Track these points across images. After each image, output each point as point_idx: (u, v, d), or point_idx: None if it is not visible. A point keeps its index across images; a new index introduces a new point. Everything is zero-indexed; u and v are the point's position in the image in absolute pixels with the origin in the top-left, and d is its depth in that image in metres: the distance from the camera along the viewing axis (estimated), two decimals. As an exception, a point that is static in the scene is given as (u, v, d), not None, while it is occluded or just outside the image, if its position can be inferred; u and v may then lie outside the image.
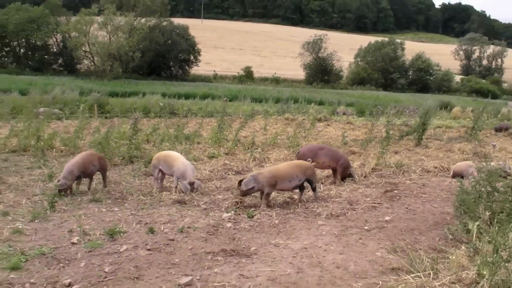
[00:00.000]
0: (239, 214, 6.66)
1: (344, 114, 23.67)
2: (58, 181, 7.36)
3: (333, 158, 9.06)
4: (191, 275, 4.49)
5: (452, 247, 5.30)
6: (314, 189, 7.49)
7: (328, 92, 46.72)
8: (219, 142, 12.36)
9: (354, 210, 7.01)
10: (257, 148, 12.10)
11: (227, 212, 6.69)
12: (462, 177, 9.05)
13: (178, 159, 8.03)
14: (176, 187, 7.95)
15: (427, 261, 4.75)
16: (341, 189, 8.45)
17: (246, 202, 7.25)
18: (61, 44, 50.20)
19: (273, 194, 7.82)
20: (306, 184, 7.59)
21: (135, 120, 10.50)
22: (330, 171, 9.45)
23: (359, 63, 68.09)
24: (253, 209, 6.91)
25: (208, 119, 18.95)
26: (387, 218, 6.54)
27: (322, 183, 8.99)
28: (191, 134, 13.09)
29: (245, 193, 7.01)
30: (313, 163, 8.99)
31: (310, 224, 6.26)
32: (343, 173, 9.14)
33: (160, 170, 8.16)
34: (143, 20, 52.41)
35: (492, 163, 6.70)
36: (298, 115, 21.14)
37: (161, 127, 14.20)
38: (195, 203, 7.28)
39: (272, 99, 30.41)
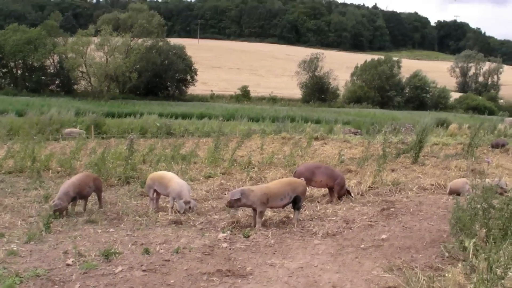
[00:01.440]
0: (235, 234, 6.63)
1: (356, 134, 23.30)
2: (53, 202, 7.37)
3: (330, 176, 9.06)
4: (187, 296, 4.48)
5: (449, 265, 5.26)
6: (298, 208, 7.37)
7: (325, 111, 46.91)
8: (215, 162, 12.33)
9: (351, 229, 6.98)
10: (253, 168, 12.09)
11: (223, 232, 6.66)
12: (458, 194, 9.03)
13: (173, 179, 8.02)
14: (172, 208, 7.92)
15: (424, 280, 4.72)
16: (338, 207, 8.44)
17: (242, 222, 7.25)
18: (58, 65, 50.51)
19: (269, 213, 7.84)
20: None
21: (131, 140, 10.51)
22: (327, 190, 9.45)
23: (356, 81, 68.53)
24: (249, 229, 6.87)
25: (205, 139, 18.84)
26: (383, 236, 6.52)
27: (318, 201, 8.97)
28: (187, 154, 13.07)
29: (231, 204, 6.94)
30: (311, 182, 9.04)
31: (306, 244, 6.25)
32: (340, 192, 9.15)
33: (155, 191, 8.14)
34: (139, 40, 52.83)
35: (487, 180, 6.69)
36: (294, 134, 21.12)
37: (158, 147, 14.21)
38: (191, 223, 7.26)
39: (269, 118, 30.49)
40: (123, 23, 53.57)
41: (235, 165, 12.39)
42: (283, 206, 7.38)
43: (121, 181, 10.36)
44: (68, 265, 5.25)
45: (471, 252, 5.22)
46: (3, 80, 50.09)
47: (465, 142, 17.79)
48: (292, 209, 7.53)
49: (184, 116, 31.81)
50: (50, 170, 11.10)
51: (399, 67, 68.97)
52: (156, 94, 54.84)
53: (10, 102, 32.42)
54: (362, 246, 6.13)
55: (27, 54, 47.33)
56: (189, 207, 7.79)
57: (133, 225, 7.08)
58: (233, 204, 6.93)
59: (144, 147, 14.14)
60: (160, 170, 10.59)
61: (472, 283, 4.34)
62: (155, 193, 8.21)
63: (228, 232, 6.70)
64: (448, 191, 9.64)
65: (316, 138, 20.04)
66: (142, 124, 21.53)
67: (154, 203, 8.21)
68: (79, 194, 7.71)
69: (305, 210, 8.15)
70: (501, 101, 77.93)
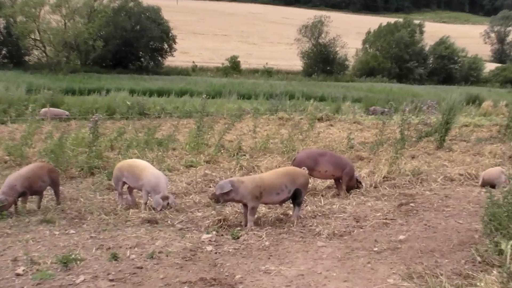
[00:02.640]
0: (222, 235, 6.68)
1: (382, 113, 23.08)
2: (-4, 197, 7.29)
3: (337, 165, 9.11)
4: (163, 310, 4.48)
5: (481, 271, 5.27)
6: (298, 204, 7.45)
7: (331, 86, 46.95)
8: (198, 148, 12.33)
9: (362, 228, 7.01)
10: (244, 155, 12.13)
11: (208, 233, 6.68)
12: (493, 186, 8.93)
13: (146, 169, 8.07)
14: (145, 204, 7.98)
15: (450, 289, 4.72)
16: (346, 202, 8.48)
17: (231, 220, 7.28)
18: (5, 31, 49.77)
19: (263, 209, 7.86)
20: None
21: (95, 122, 10.48)
22: (333, 181, 9.52)
23: (368, 50, 68.58)
24: (239, 228, 6.92)
25: (186, 120, 18.97)
26: (401, 237, 6.54)
27: (322, 195, 9.02)
28: (164, 139, 13.11)
29: (217, 199, 7.00)
30: (314, 172, 9.06)
31: (308, 246, 6.25)
32: (348, 183, 9.20)
33: (125, 183, 8.24)
34: (105, 1, 52.33)
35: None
36: (294, 113, 21.12)
37: (128, 131, 14.18)
38: (169, 222, 7.30)
39: (263, 95, 30.49)
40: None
41: (222, 151, 12.42)
42: (281, 202, 7.44)
43: (83, 172, 10.35)
44: (18, 275, 5.19)
45: (508, 257, 5.17)
46: None
47: (502, 123, 17.84)
48: (291, 205, 7.59)
49: (160, 92, 31.68)
50: (-4, 159, 11.12)
51: (421, 32, 69.05)
52: (126, 67, 54.62)
53: None
54: (376, 249, 6.14)
55: (-34, 17, 46.76)
56: (167, 203, 7.85)
57: (98, 226, 7.08)
58: (220, 198, 6.96)
59: (112, 130, 14.17)
60: (131, 158, 10.58)
61: (509, 293, 4.34)
62: (124, 186, 8.27)
63: (214, 232, 6.70)
64: (480, 182, 9.66)
65: (320, 119, 20.11)
66: (109, 102, 21.49)
67: (123, 198, 8.27)
68: (30, 189, 7.61)
69: (306, 206, 8.16)
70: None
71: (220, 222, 7.11)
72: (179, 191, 9.02)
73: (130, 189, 8.39)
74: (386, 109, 22.28)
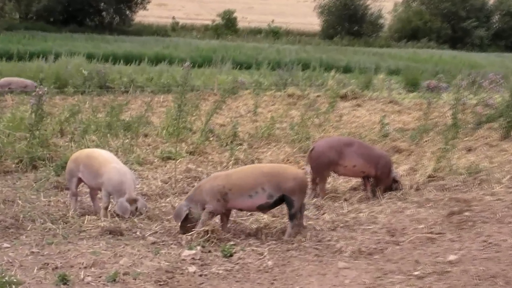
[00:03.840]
0: (210, 251, 6.75)
1: (438, 89, 22.76)
2: None
3: (368, 159, 9.23)
4: None
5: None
6: (291, 217, 7.51)
7: (359, 52, 46.60)
8: (179, 134, 12.12)
9: (398, 245, 7.03)
10: (241, 144, 12.24)
11: (190, 248, 6.75)
12: None
13: (108, 162, 8.15)
14: (106, 209, 8.05)
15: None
16: (377, 209, 8.53)
17: (221, 232, 7.36)
18: None
19: (265, 218, 7.98)
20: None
21: (40, 98, 10.44)
22: (359, 180, 9.67)
23: (411, 4, 68.11)
24: (232, 243, 7.02)
25: (163, 96, 19.06)
26: (451, 257, 6.50)
27: (345, 199, 9.15)
28: (133, 122, 13.07)
29: (184, 229, 7.31)
30: (337, 167, 9.20)
31: (325, 268, 6.27)
32: (382, 183, 9.33)
33: (80, 181, 8.30)
34: None
35: None
36: (309, 89, 21.11)
37: (85, 110, 14.23)
38: (138, 233, 7.40)
39: (267, 64, 30.17)
40: None
41: (211, 139, 12.57)
42: (259, 210, 7.58)
43: (22, 165, 10.36)
44: None
45: None
46: None
47: None
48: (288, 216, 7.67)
49: (128, 59, 31.34)
50: None
51: (483, -20, 68.56)
52: (81, 23, 54.24)
53: None
54: (417, 272, 6.11)
55: None
56: (135, 208, 7.93)
57: (42, 237, 7.08)
58: (187, 227, 7.33)
59: (62, 109, 14.15)
60: (89, 147, 10.56)
61: None
62: (79, 185, 8.40)
63: (198, 248, 6.78)
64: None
65: (344, 97, 20.06)
66: (59, 71, 21.35)
67: (77, 201, 8.38)
68: None
69: (323, 214, 8.30)
70: None
71: (207, 234, 7.13)
72: (152, 192, 9.12)
73: (93, 193, 8.52)
74: (445, 85, 22.07)
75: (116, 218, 7.81)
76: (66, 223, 7.68)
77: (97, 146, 10.72)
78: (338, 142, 9.44)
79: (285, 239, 7.36)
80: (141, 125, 13.11)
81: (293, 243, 7.15)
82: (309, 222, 7.97)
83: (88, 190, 8.72)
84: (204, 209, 7.28)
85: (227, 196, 7.22)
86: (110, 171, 7.96)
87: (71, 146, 11.12)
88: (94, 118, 13.20)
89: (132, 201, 7.85)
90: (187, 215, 7.24)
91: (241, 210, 7.71)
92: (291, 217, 7.47)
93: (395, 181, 9.45)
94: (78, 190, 8.49)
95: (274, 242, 7.16)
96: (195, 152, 11.67)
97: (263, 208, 7.50)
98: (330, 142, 9.53)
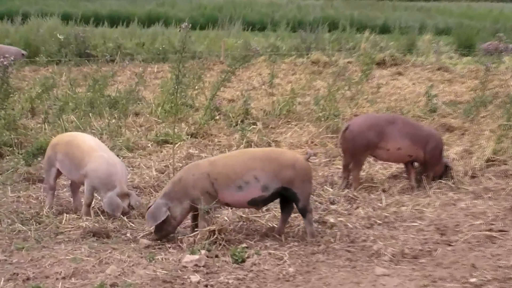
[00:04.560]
0: (217, 256, 6.65)
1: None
2: None
3: (415, 139, 9.16)
4: None
5: None
6: (303, 213, 7.42)
7: (400, 7, 46.47)
8: (177, 112, 12.01)
9: (450, 245, 6.99)
10: (254, 123, 12.20)
11: (193, 253, 6.64)
12: None
13: (94, 150, 8.10)
14: (89, 205, 8.06)
15: None
16: (423, 202, 8.48)
17: (231, 233, 7.29)
18: None
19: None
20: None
21: (5, 70, 10.40)
22: (400, 167, 9.65)
23: None
24: (244, 245, 6.94)
25: (157, 65, 19.09)
26: (517, 261, 6.46)
27: (384, 190, 9.12)
28: (121, 97, 12.91)
29: (161, 234, 7.26)
30: (377, 150, 9.16)
31: (359, 275, 6.25)
32: (432, 169, 9.29)
33: (58, 172, 8.31)
34: None
35: None
36: (337, 54, 21.02)
37: (61, 84, 14.29)
38: (129, 235, 7.37)
39: (285, 24, 30.07)
40: None
41: (217, 118, 12.55)
42: (251, 205, 7.41)
43: (-15, 151, 10.44)
44: None
45: None
46: None
47: None
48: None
49: (114, 19, 31.26)
50: None
51: None
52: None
53: None
54: (474, 279, 6.07)
55: None
56: (128, 205, 7.91)
57: (11, 242, 7.06)
58: (164, 232, 7.26)
59: (33, 83, 14.21)
60: (67, 130, 10.61)
61: None
62: (57, 177, 8.38)
63: (203, 252, 6.65)
64: None
65: (382, 63, 19.97)
66: (28, 36, 21.54)
67: (52, 195, 8.34)
68: None
69: (357, 208, 8.27)
70: None
71: (214, 234, 7.02)
72: (145, 184, 9.09)
73: (75, 186, 8.49)
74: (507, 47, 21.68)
75: (101, 217, 7.79)
76: (39, 224, 7.64)
77: (76, 128, 10.83)
78: (378, 120, 9.36)
79: (309, 240, 7.26)
80: (130, 102, 12.96)
81: (319, 245, 7.06)
82: (340, 219, 7.88)
83: (66, 182, 8.77)
84: (189, 207, 7.16)
85: (213, 186, 7.09)
86: (96, 161, 7.91)
87: (45, 129, 11.10)
88: (72, 94, 13.15)
89: (124, 196, 7.81)
90: (166, 219, 7.08)
91: (229, 206, 7.64)
92: (303, 212, 7.34)
93: (447, 167, 9.34)
94: (56, 181, 8.42)
95: (296, 243, 7.09)
96: (197, 134, 11.66)
97: (257, 203, 7.33)
98: (369, 120, 9.44)
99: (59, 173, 8.31)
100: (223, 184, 7.09)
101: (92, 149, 8.08)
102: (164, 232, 7.19)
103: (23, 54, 18.19)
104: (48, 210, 8.05)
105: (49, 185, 8.29)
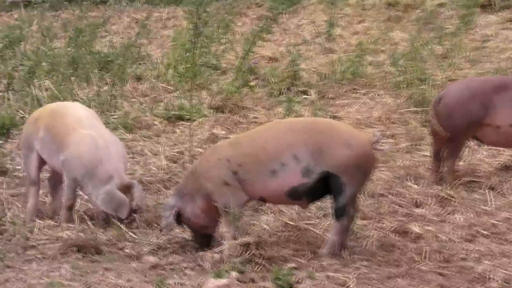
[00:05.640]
0: (253, 281, 6.52)
1: None
2: None
3: None
4: None
5: None
6: (338, 213, 7.15)
7: None
8: (195, 75, 11.95)
9: None
10: (305, 92, 12.00)
11: (219, 276, 6.46)
12: None
13: (79, 125, 8.05)
14: (71, 207, 8.00)
15: None
16: None
17: (272, 246, 7.15)
18: None
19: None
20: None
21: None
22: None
23: None
24: (292, 265, 6.78)
25: (167, 9, 18.90)
26: None
27: (491, 188, 8.97)
28: (117, 55, 12.91)
29: (196, 241, 7.34)
30: (484, 129, 8.93)
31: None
32: None
33: (39, 158, 8.29)
34: None
35: None
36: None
37: (32, 35, 14.32)
38: (128, 250, 7.25)
39: None
40: None
41: (252, 84, 12.33)
42: (297, 199, 7.21)
43: None
44: None
45: None
46: None
47: None
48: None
49: None
50: None
51: None
52: None
53: None
54: None
55: None
56: (132, 207, 7.80)
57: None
58: (197, 236, 7.33)
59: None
60: (41, 101, 10.67)
61: None
62: (41, 165, 8.42)
63: (233, 274, 6.51)
64: None
65: (488, 6, 19.44)
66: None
67: (35, 194, 8.33)
68: None
69: (452, 213, 8.17)
70: None
71: (248, 249, 6.90)
72: (151, 178, 9.09)
73: (55, 179, 8.45)
74: None
75: (89, 224, 7.65)
76: (1, 234, 7.60)
77: (52, 98, 10.69)
78: (484, 86, 9.17)
79: (321, 253, 7.15)
80: (129, 62, 12.86)
81: (398, 265, 6.94)
82: (428, 228, 7.79)
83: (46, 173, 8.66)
84: (204, 206, 7.12)
85: (237, 176, 6.99)
86: (80, 142, 7.85)
87: (8, 99, 11.19)
88: (47, 50, 13.04)
89: (126, 188, 7.74)
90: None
91: (263, 201, 7.51)
92: (340, 213, 7.09)
93: None
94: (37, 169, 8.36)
95: (365, 263, 6.92)
96: (224, 107, 11.57)
97: (299, 196, 7.08)
98: (470, 87, 9.28)
99: (42, 160, 8.25)
100: (252, 170, 7.01)
101: (78, 124, 8.03)
102: (199, 239, 7.25)
103: None
104: (30, 212, 8.05)
105: (29, 177, 8.32)
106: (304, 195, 7.06)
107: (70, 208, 7.90)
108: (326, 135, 7.03)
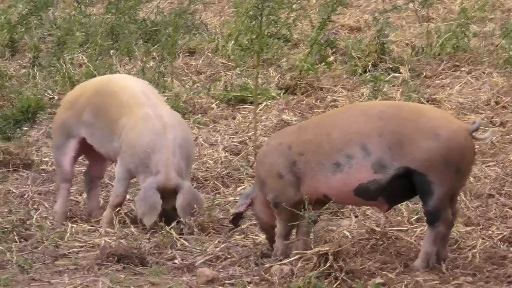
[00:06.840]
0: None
1: None
2: None
3: None
4: None
5: None
6: (432, 218, 6.44)
7: None
8: (261, 48, 11.33)
9: None
10: (396, 70, 11.60)
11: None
12: None
13: (136, 103, 7.77)
14: (117, 206, 7.67)
15: None
16: None
17: (357, 257, 6.67)
18: None
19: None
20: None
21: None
22: None
23: None
24: (379, 280, 6.38)
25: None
26: None
27: None
28: (165, 23, 12.46)
29: (270, 242, 7.00)
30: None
31: None
32: None
33: (84, 146, 7.96)
34: None
35: None
36: None
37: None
38: (178, 261, 6.92)
39: None
40: None
41: (331, 59, 11.83)
42: (368, 199, 6.64)
43: None
44: None
45: None
46: None
47: None
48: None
49: None
50: None
51: None
52: None
53: None
54: None
55: None
56: (173, 209, 7.50)
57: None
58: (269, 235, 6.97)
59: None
60: (73, 81, 10.81)
61: None
62: (77, 158, 8.24)
63: None
64: None
65: None
66: None
67: (66, 191, 8.02)
68: None
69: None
70: None
71: (326, 261, 6.24)
72: (207, 174, 8.98)
73: (93, 174, 8.22)
74: None
75: (132, 228, 7.32)
76: (25, 240, 7.21)
77: (88, 76, 10.27)
78: None
79: (416, 266, 6.61)
80: (181, 32, 12.32)
81: (510, 282, 6.45)
82: None
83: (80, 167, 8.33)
84: (264, 197, 6.76)
85: (296, 167, 6.45)
86: (135, 125, 7.58)
87: (34, 77, 10.84)
88: (80, 17, 12.63)
89: (168, 190, 7.34)
90: (241, 214, 6.90)
91: (328, 199, 6.73)
92: (433, 217, 6.42)
93: None
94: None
95: (469, 278, 6.44)
96: (296, 87, 11.17)
97: (372, 195, 6.48)
98: None
99: (79, 151, 7.94)
100: (312, 160, 6.52)
101: (133, 102, 7.72)
102: (269, 237, 6.94)
103: None
104: (58, 214, 7.74)
105: (61, 172, 7.97)
106: (379, 195, 6.51)
107: (116, 207, 7.58)
108: (409, 123, 6.41)
